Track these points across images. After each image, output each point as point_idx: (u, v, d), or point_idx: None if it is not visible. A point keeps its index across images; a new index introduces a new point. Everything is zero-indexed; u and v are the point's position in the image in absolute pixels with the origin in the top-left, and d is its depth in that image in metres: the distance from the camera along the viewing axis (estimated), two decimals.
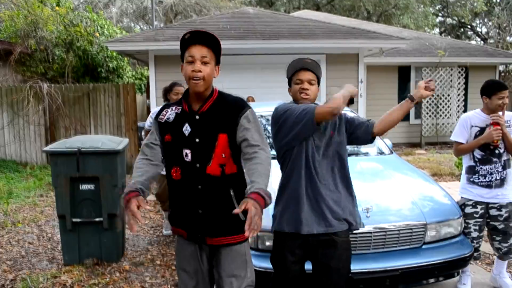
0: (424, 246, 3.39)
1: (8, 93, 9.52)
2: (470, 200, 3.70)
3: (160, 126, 2.36)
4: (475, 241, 3.68)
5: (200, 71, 2.20)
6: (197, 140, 2.26)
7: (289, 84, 2.74)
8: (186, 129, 2.29)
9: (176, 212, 2.41)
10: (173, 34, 9.30)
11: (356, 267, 3.05)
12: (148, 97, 9.68)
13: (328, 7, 28.91)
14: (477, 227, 3.68)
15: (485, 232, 3.88)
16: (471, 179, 3.71)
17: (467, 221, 3.68)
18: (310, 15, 15.62)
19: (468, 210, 3.70)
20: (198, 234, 2.33)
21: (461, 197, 3.82)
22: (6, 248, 4.99)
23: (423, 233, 3.37)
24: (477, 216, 3.67)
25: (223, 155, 2.26)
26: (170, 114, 2.35)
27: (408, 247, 3.35)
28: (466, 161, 3.77)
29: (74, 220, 4.30)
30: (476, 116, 3.73)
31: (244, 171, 2.28)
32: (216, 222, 2.30)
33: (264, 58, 9.04)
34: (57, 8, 12.41)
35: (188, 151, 2.27)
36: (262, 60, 9.18)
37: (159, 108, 2.66)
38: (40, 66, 11.74)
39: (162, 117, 2.37)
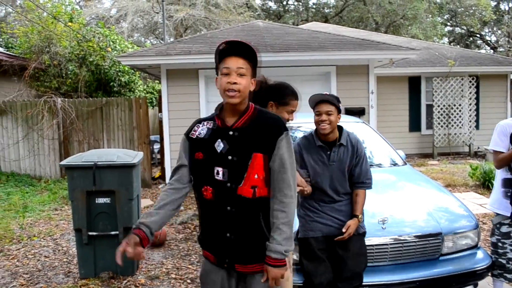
0: (441, 258, 3.37)
1: (23, 108, 9.66)
2: (508, 218, 3.37)
3: (191, 143, 2.22)
4: (511, 262, 3.44)
5: (236, 83, 2.08)
6: (229, 157, 2.11)
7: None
8: (219, 145, 2.14)
9: (205, 234, 2.26)
10: (184, 48, 9.40)
11: (374, 279, 3.05)
12: (160, 110, 9.75)
13: (336, 18, 29.06)
14: None
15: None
16: (509, 194, 3.31)
17: (502, 240, 3.45)
18: (319, 27, 15.71)
19: (505, 229, 3.44)
20: (226, 259, 2.18)
21: (497, 214, 3.49)
22: (23, 261, 5.04)
23: (439, 244, 3.35)
24: None
25: (256, 176, 2.11)
26: (202, 129, 2.21)
27: (425, 258, 3.34)
28: (502, 174, 3.43)
29: (90, 233, 4.35)
30: None
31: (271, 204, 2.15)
32: (246, 248, 2.15)
33: (275, 70, 9.08)
34: (70, 23, 12.62)
35: (220, 169, 2.12)
36: (272, 72, 9.14)
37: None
38: (54, 81, 11.92)
39: (194, 132, 2.22)
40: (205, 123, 2.23)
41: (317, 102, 2.98)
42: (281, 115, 2.66)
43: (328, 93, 3.08)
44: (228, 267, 2.20)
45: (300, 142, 3.14)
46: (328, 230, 2.97)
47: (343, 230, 2.90)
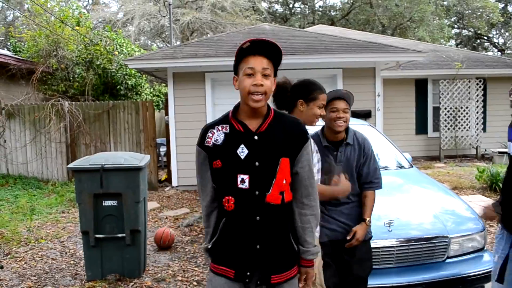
0: (447, 260, 3.37)
1: (30, 111, 9.75)
2: None
3: (208, 153, 2.06)
4: None
5: (262, 85, 1.95)
6: (257, 163, 1.99)
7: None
8: (243, 151, 2.00)
9: (225, 248, 2.08)
10: (191, 51, 9.44)
11: (380, 281, 3.05)
12: (166, 113, 9.79)
13: (343, 21, 29.05)
14: None
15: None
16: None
17: None
18: (325, 30, 15.71)
19: None
20: (249, 272, 2.05)
21: None
22: (30, 264, 5.08)
23: (446, 246, 3.34)
24: None
25: (284, 181, 2.02)
26: (218, 135, 2.04)
27: (431, 261, 3.33)
28: None
29: (97, 236, 4.37)
30: None
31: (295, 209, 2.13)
32: (277, 257, 2.06)
33: (281, 73, 9.05)
34: (77, 27, 12.72)
35: (245, 177, 1.99)
36: (279, 75, 9.22)
37: None
38: (61, 85, 12.01)
39: (209, 140, 2.05)
40: (219, 128, 2.06)
41: (334, 98, 2.90)
42: (312, 111, 2.64)
43: (344, 90, 3.02)
44: (250, 281, 2.06)
45: None
46: (334, 235, 2.90)
47: (348, 237, 2.84)
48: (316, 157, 2.61)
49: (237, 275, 2.04)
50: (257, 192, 1.99)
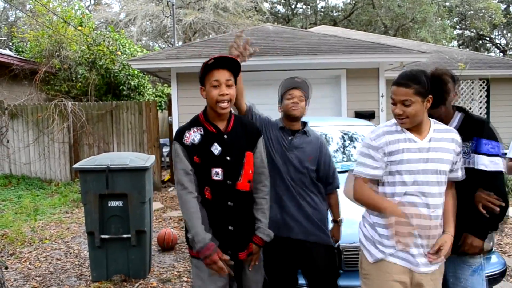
0: None
1: (33, 112, 9.74)
2: None
3: (187, 149, 2.40)
4: None
5: (227, 94, 2.35)
6: (228, 158, 2.39)
7: (280, 102, 2.95)
8: (216, 148, 2.38)
9: None
10: (195, 51, 9.42)
11: None
12: (170, 114, 9.77)
13: (345, 22, 29.03)
14: None
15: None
16: None
17: None
18: (328, 31, 15.67)
19: None
20: (228, 251, 2.37)
21: None
22: (35, 264, 5.06)
23: None
24: None
25: (250, 171, 2.45)
26: (194, 136, 2.41)
27: None
28: None
29: (103, 236, 4.35)
30: None
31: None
32: (245, 236, 2.44)
33: (285, 74, 9.00)
34: (80, 28, 12.71)
35: (219, 170, 2.37)
36: (282, 76, 9.08)
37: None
38: (64, 85, 12.01)
39: (187, 139, 2.40)
40: (194, 129, 2.43)
41: (289, 88, 2.87)
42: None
43: (300, 79, 2.97)
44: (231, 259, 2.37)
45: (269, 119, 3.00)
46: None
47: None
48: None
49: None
50: (229, 182, 2.38)
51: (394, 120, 2.33)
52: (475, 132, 2.44)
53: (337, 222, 2.98)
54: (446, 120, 2.51)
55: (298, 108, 2.83)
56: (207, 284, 2.39)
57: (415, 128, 2.26)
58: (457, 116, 2.54)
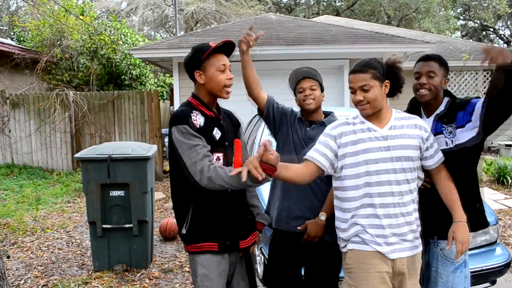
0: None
1: (35, 101, 9.70)
2: None
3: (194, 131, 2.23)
4: None
5: (232, 79, 2.30)
6: (226, 143, 2.34)
7: (295, 94, 2.86)
8: (217, 133, 2.29)
9: (204, 224, 2.27)
10: (197, 41, 9.34)
11: None
12: (172, 103, 9.74)
13: (348, 12, 28.82)
14: None
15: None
16: None
17: None
18: (331, 21, 15.55)
19: None
20: (228, 241, 2.29)
21: None
22: (37, 253, 5.05)
23: None
24: None
25: (241, 158, 2.39)
26: (199, 119, 2.26)
27: None
28: None
29: (105, 226, 4.34)
30: None
31: None
32: (244, 223, 2.41)
33: (288, 63, 9.00)
34: (81, 17, 12.62)
35: (220, 155, 2.27)
36: (285, 65, 9.12)
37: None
38: (66, 74, 11.95)
39: (195, 122, 2.23)
40: (195, 113, 2.26)
41: (297, 80, 2.80)
42: None
43: (306, 67, 2.87)
44: (230, 249, 2.31)
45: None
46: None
47: (299, 228, 2.65)
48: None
49: (221, 246, 2.28)
50: None
51: (357, 113, 2.30)
52: (459, 110, 2.44)
53: (318, 216, 2.66)
54: (436, 105, 2.53)
55: (310, 100, 2.73)
56: (217, 283, 2.28)
57: (376, 117, 2.23)
58: (445, 101, 2.54)
